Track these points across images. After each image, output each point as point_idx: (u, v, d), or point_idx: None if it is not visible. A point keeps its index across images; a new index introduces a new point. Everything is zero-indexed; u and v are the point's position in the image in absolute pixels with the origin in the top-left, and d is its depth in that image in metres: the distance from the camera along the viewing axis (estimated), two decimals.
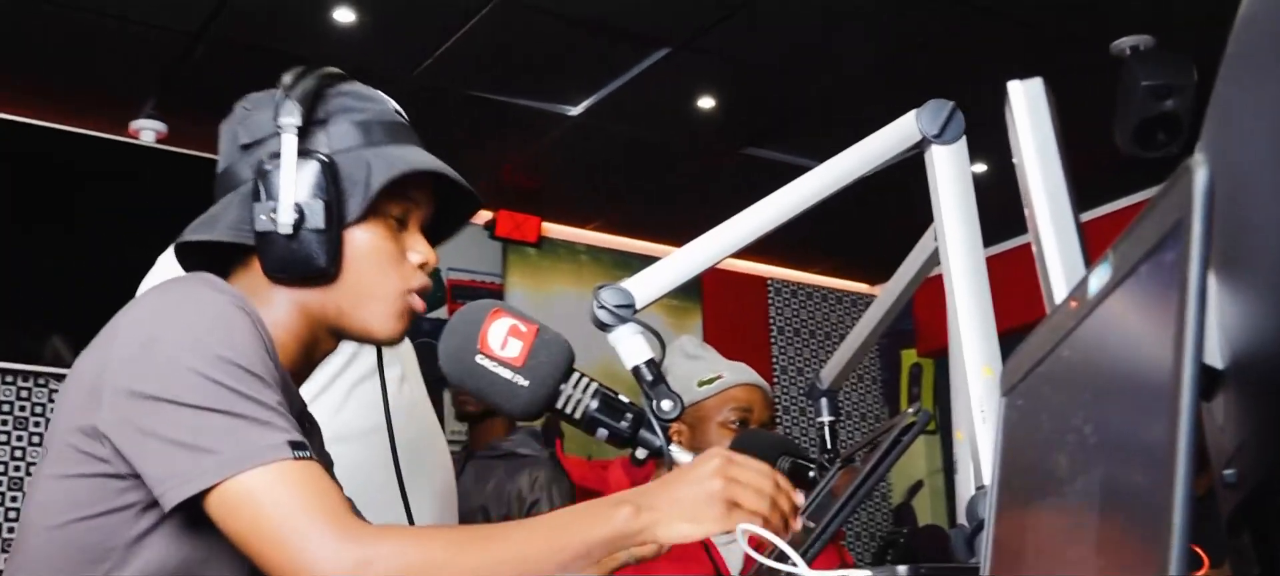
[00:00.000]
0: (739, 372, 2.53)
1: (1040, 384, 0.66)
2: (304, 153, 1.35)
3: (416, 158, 1.40)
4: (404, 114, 1.48)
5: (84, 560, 1.24)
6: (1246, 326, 0.60)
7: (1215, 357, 0.66)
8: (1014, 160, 1.10)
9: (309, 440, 1.50)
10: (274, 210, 1.33)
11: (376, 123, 1.42)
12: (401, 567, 1.14)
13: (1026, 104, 1.09)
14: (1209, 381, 0.68)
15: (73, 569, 1.24)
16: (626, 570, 1.37)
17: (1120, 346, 0.53)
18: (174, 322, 1.24)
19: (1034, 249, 1.06)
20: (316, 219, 1.34)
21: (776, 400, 6.28)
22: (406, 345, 2.20)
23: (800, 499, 1.26)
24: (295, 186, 1.33)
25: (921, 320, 6.17)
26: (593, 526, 1.20)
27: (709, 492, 1.22)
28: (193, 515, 1.22)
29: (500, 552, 1.17)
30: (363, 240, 1.39)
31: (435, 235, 1.50)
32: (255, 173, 1.36)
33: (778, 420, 6.21)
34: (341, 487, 1.24)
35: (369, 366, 2.02)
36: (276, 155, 1.35)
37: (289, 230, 1.33)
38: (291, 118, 1.35)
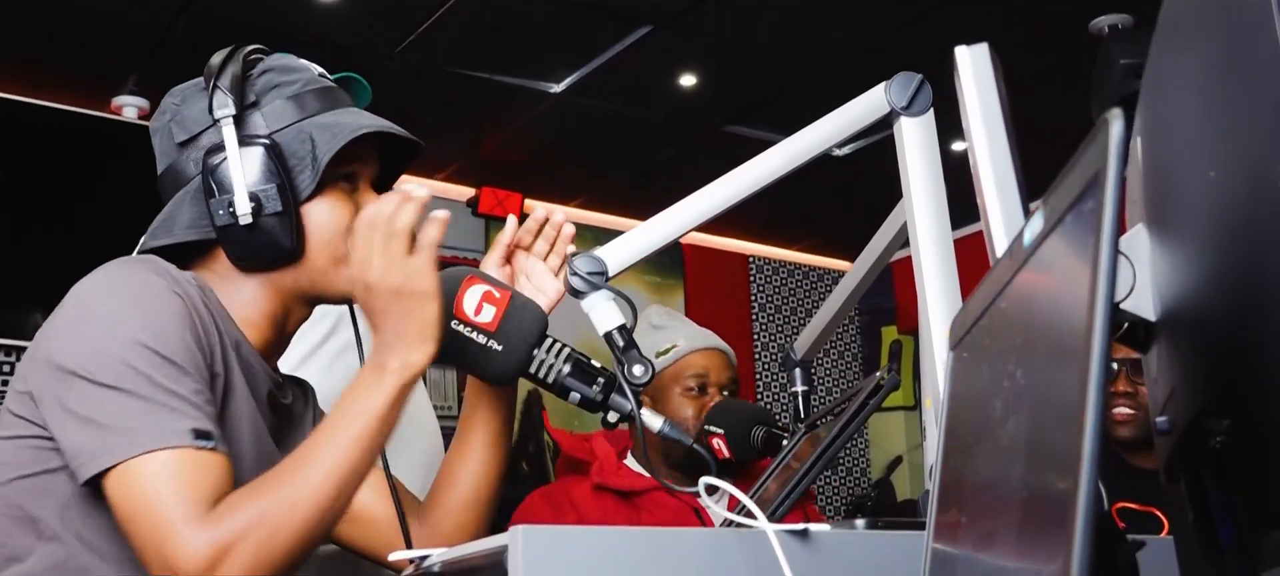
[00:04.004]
0: (694, 338, 2.55)
1: (981, 336, 0.69)
2: (245, 139, 1.37)
3: (354, 120, 1.42)
4: (329, 76, 1.49)
5: (21, 518, 1.28)
6: (1175, 278, 0.63)
7: (1149, 311, 0.69)
8: (963, 123, 1.13)
9: (302, 401, 1.54)
10: (230, 204, 1.35)
11: (307, 93, 1.43)
12: (249, 525, 1.18)
13: (973, 69, 1.12)
14: (1145, 334, 0.71)
15: (11, 525, 1.29)
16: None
17: (1047, 292, 0.56)
18: (104, 304, 1.28)
19: (979, 204, 1.09)
20: (273, 204, 1.36)
21: (757, 376, 6.32)
22: None
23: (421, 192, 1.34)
24: (245, 175, 1.35)
25: (902, 298, 6.21)
26: (374, 398, 1.27)
27: (399, 290, 1.29)
28: None
29: (323, 462, 1.24)
30: (320, 212, 1.41)
31: (384, 183, 1.53)
32: (201, 168, 1.37)
33: (758, 394, 6.26)
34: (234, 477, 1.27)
35: (350, 338, 2.05)
36: (218, 148, 1.36)
37: (249, 219, 1.35)
38: (226, 109, 1.36)
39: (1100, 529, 0.49)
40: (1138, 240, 0.68)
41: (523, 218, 1.59)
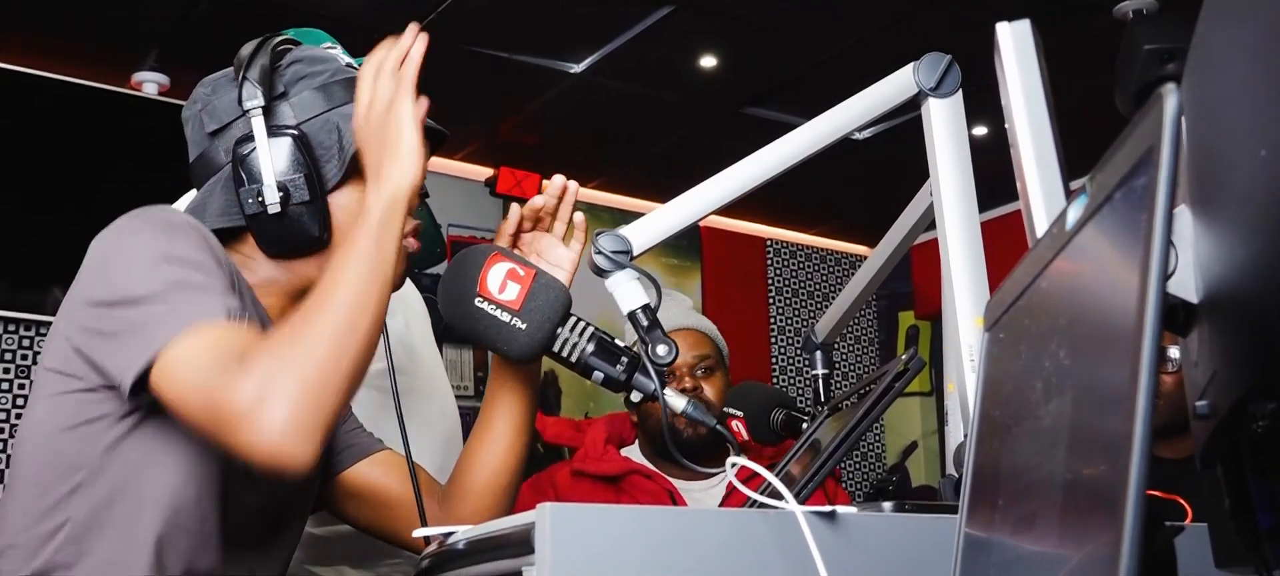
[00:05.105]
0: (667, 320, 2.55)
1: (1020, 316, 0.68)
2: (274, 129, 1.39)
3: None
4: (356, 66, 1.50)
5: (63, 469, 1.31)
6: (1219, 259, 0.62)
7: (1191, 293, 0.68)
8: (1001, 100, 1.12)
9: None
10: (259, 193, 1.38)
11: (335, 83, 1.45)
12: (285, 354, 1.19)
13: (1014, 45, 1.11)
14: (1185, 316, 0.70)
15: (53, 477, 1.31)
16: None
17: (1095, 270, 0.55)
18: (127, 236, 1.31)
19: (1018, 184, 1.08)
20: (301, 193, 1.39)
21: (773, 359, 6.31)
22: (413, 294, 2.23)
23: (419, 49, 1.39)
24: (273, 165, 1.38)
25: (919, 283, 6.18)
26: (369, 216, 1.29)
27: (383, 116, 1.33)
28: (157, 418, 1.29)
29: (342, 293, 1.24)
30: (348, 201, 1.43)
31: None
32: (231, 157, 1.40)
33: (775, 377, 6.25)
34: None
35: None
36: (248, 138, 1.39)
37: (278, 208, 1.38)
38: (255, 100, 1.39)
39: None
40: (1180, 221, 0.67)
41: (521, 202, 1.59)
